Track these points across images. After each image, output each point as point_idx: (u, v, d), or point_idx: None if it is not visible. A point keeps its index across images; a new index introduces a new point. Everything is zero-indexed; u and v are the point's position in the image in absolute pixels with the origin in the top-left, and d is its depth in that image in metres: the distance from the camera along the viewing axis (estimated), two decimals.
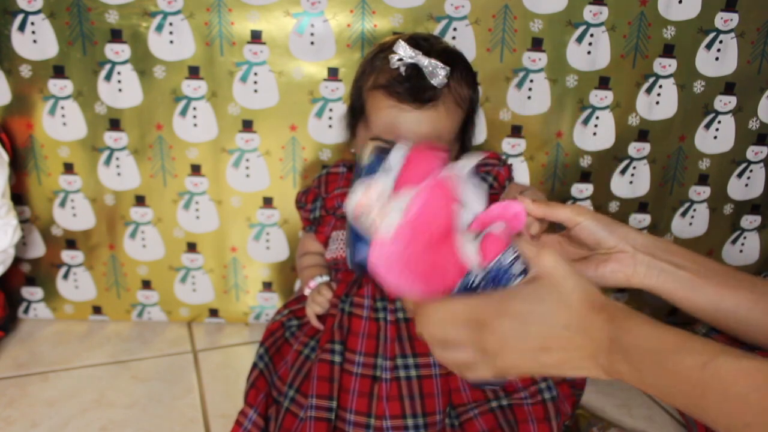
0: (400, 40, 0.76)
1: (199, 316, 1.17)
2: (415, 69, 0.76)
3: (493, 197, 0.91)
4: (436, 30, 1.00)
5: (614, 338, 0.49)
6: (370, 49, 0.92)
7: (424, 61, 0.75)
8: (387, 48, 0.79)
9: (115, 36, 0.97)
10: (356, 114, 0.84)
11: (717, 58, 1.06)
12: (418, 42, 0.78)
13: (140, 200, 1.07)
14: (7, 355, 1.04)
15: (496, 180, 0.91)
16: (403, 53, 0.76)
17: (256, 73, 1.00)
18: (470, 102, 0.82)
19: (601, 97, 1.06)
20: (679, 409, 0.47)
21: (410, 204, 0.52)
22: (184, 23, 0.97)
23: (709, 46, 1.05)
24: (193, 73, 1.00)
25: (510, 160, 1.08)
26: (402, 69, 0.76)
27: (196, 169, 1.06)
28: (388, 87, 0.77)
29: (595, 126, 1.08)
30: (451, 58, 0.79)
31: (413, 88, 0.76)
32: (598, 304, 0.51)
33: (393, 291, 0.54)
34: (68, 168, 1.05)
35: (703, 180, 1.14)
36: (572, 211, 0.64)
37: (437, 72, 0.75)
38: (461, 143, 0.85)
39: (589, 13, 1.01)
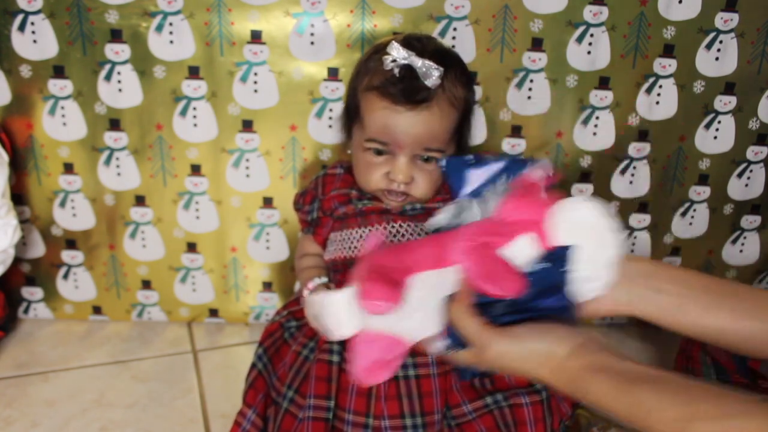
0: (393, 42, 0.76)
1: (199, 316, 1.17)
2: (408, 70, 0.76)
3: None
4: (436, 30, 1.00)
5: (581, 394, 0.54)
6: (365, 51, 0.92)
7: (418, 62, 0.75)
8: (381, 49, 0.79)
9: (115, 36, 0.97)
10: (351, 115, 0.84)
11: (717, 58, 1.06)
12: (411, 43, 0.78)
13: (140, 200, 1.07)
14: (7, 355, 1.04)
15: None
16: (397, 54, 0.76)
17: (256, 73, 1.01)
18: (465, 102, 0.82)
19: (601, 97, 1.06)
20: None
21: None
22: (184, 23, 0.97)
23: (709, 46, 1.05)
24: (193, 73, 1.00)
25: None
26: (395, 70, 0.76)
27: (196, 169, 1.06)
28: (381, 88, 0.77)
29: (595, 126, 1.08)
30: (445, 58, 0.79)
31: (407, 89, 0.76)
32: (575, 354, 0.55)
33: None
34: (68, 168, 1.05)
35: (703, 180, 1.14)
36: None
37: (431, 73, 0.75)
38: (457, 144, 0.85)
39: (589, 13, 1.00)
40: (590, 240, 0.59)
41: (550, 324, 0.57)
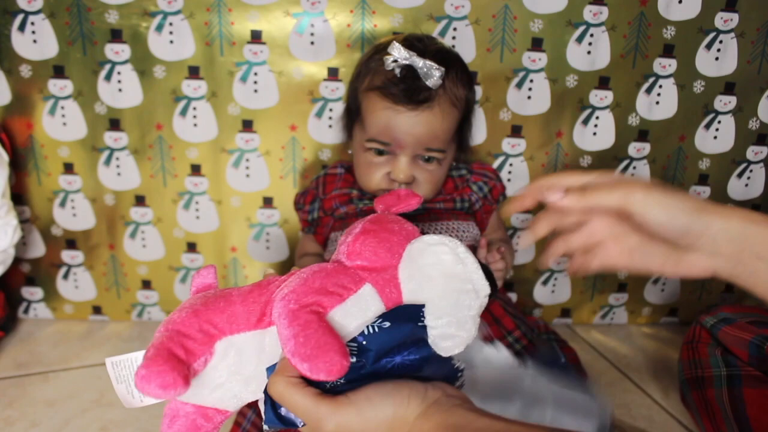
0: (394, 42, 0.76)
1: None
2: (410, 70, 0.76)
3: (487, 208, 0.92)
4: (436, 30, 1.00)
5: None
6: (366, 51, 0.92)
7: (419, 62, 0.75)
8: (382, 49, 0.79)
9: (115, 36, 0.97)
10: (352, 115, 0.85)
11: (717, 58, 1.06)
12: (412, 43, 0.78)
13: (140, 200, 1.07)
14: (7, 355, 1.04)
15: (490, 193, 0.91)
16: (398, 55, 0.76)
17: (256, 73, 1.01)
18: (466, 102, 0.82)
19: (601, 97, 1.06)
20: None
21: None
22: (184, 23, 0.97)
23: (709, 46, 1.05)
24: (193, 73, 1.00)
25: (510, 160, 1.08)
26: (397, 70, 0.76)
27: (196, 169, 1.06)
28: (383, 89, 0.77)
29: (595, 126, 1.08)
30: (446, 58, 0.79)
31: (408, 90, 0.76)
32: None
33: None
34: (68, 168, 1.05)
35: (703, 180, 1.14)
36: (624, 197, 0.49)
37: (432, 73, 0.75)
38: (458, 143, 0.85)
39: (589, 13, 1.01)
40: (443, 292, 0.49)
41: (397, 383, 0.47)
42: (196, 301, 0.50)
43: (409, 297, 0.50)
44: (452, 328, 0.49)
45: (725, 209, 0.49)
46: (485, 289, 0.49)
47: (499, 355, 0.66)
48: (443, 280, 0.49)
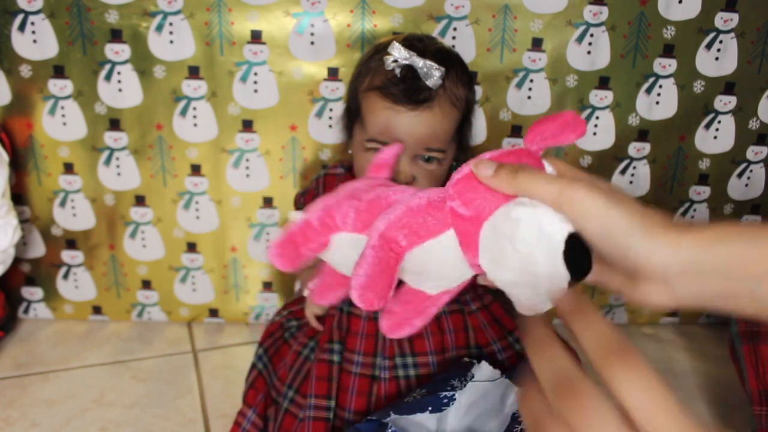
0: (394, 42, 0.76)
1: (199, 316, 1.17)
2: (410, 70, 0.76)
3: None
4: (436, 30, 1.00)
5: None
6: (366, 51, 0.92)
7: (419, 62, 0.75)
8: (382, 49, 0.79)
9: (115, 36, 0.97)
10: (352, 115, 0.84)
11: (717, 58, 1.06)
12: (412, 43, 0.78)
13: (140, 200, 1.07)
14: (7, 355, 1.04)
15: None
16: (398, 54, 0.76)
17: (256, 73, 1.01)
18: (466, 102, 0.82)
19: (601, 97, 1.06)
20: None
21: None
22: (184, 23, 0.97)
23: (709, 46, 1.05)
24: (193, 73, 1.00)
25: None
26: (397, 70, 0.76)
27: (196, 169, 1.06)
28: (383, 88, 0.77)
29: (595, 126, 1.08)
30: (446, 58, 0.79)
31: (408, 90, 0.76)
32: None
33: None
34: (68, 168, 1.05)
35: (703, 180, 1.14)
36: (559, 194, 0.40)
37: (432, 73, 0.75)
38: (458, 144, 0.85)
39: (589, 13, 1.00)
40: (514, 270, 0.42)
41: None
42: (338, 195, 0.57)
43: (485, 262, 0.45)
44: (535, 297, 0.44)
45: (675, 232, 0.37)
46: (562, 283, 0.41)
47: (482, 370, 0.67)
48: (518, 262, 0.42)
